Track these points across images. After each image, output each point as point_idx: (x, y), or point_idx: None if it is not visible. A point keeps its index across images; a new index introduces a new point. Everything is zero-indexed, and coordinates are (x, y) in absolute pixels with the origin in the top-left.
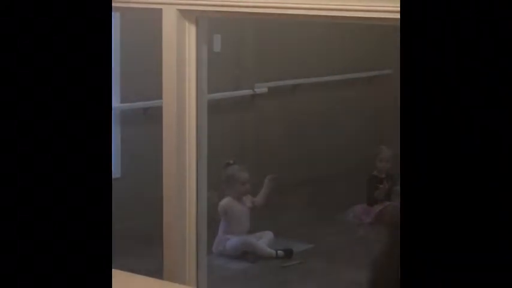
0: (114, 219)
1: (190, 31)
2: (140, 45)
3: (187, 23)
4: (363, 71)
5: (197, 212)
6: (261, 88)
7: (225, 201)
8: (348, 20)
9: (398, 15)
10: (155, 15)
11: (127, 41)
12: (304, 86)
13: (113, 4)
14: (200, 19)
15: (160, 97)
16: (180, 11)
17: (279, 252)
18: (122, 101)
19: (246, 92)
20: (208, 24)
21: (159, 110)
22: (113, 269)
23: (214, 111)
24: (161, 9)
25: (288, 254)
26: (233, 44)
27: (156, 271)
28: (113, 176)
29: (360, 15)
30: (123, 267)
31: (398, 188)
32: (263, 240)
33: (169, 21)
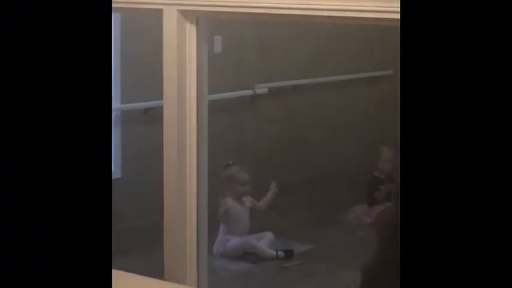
0: (115, 219)
1: (191, 32)
2: (141, 45)
3: (187, 24)
4: (363, 71)
5: (198, 212)
6: (262, 89)
7: (225, 202)
8: (349, 20)
9: (398, 16)
10: (156, 16)
11: (127, 41)
12: (305, 86)
13: (114, 5)
14: (201, 20)
15: (160, 98)
16: (181, 11)
17: (279, 253)
18: (123, 102)
19: (247, 92)
20: (209, 25)
21: (159, 110)
22: (113, 269)
23: (215, 112)
24: (162, 9)
25: (289, 254)
26: (234, 45)
27: (157, 272)
28: (113, 177)
29: (360, 16)
30: (123, 267)
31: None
32: (264, 241)
33: (170, 21)
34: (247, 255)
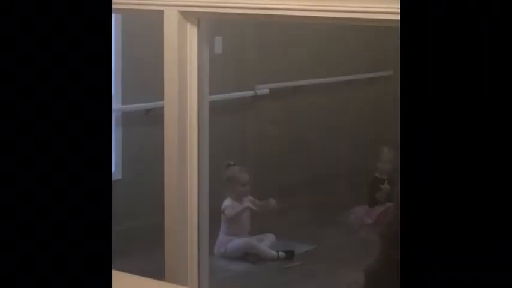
0: (116, 220)
1: (192, 32)
2: (141, 46)
3: (188, 25)
4: (363, 72)
5: (199, 213)
6: (262, 89)
7: (226, 203)
8: (349, 21)
9: (398, 17)
10: (157, 17)
11: (128, 42)
12: (306, 87)
13: (115, 6)
14: (201, 20)
15: (161, 99)
16: (182, 12)
17: (280, 253)
18: (124, 103)
19: (247, 93)
20: (210, 25)
21: (160, 111)
22: (113, 270)
23: (216, 113)
24: (163, 10)
25: (290, 255)
26: (234, 46)
27: (157, 272)
28: (114, 178)
29: (360, 17)
30: (124, 268)
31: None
32: (265, 242)
33: (171, 22)
34: (248, 255)
